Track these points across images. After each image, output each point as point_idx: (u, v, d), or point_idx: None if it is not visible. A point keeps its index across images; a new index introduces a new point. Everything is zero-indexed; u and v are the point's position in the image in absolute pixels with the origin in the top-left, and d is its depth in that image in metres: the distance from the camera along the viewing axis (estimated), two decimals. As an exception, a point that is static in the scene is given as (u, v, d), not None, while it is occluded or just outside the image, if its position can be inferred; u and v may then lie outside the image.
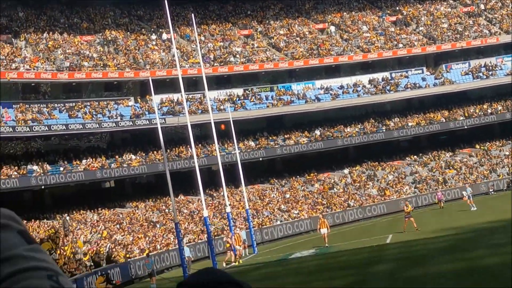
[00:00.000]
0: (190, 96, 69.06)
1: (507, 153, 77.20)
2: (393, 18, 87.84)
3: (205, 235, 49.28)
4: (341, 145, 74.79)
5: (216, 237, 53.27)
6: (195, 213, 60.69)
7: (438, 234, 37.83)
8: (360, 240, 43.45)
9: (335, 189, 70.66)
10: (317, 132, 74.80)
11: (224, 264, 44.26)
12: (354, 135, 75.30)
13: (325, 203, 66.76)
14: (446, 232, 38.08)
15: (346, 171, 74.93)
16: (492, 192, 69.54)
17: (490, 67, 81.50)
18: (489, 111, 79.88)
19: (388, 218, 61.47)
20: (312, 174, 73.42)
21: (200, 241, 53.40)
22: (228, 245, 46.03)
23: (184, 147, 66.18)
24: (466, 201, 55.77)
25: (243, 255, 48.85)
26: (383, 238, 41.79)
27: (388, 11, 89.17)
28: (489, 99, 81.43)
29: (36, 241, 1.68)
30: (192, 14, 58.47)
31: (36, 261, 1.62)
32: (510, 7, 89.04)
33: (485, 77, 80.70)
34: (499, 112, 79.58)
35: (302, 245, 49.40)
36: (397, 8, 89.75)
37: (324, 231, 44.07)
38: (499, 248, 25.74)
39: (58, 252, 38.98)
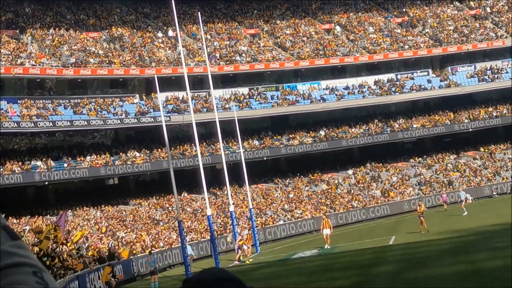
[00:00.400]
0: (196, 94, 69.13)
1: (511, 156, 77.09)
2: (400, 20, 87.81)
3: (208, 234, 49.29)
4: (346, 145, 74.79)
5: (219, 236, 53.30)
6: (199, 211, 60.71)
7: (441, 236, 37.79)
8: (363, 241, 43.39)
9: (338, 189, 70.63)
10: (322, 133, 74.79)
11: (243, 260, 44.22)
12: (358, 136, 75.26)
13: (328, 203, 66.71)
14: (449, 235, 38.05)
15: (350, 171, 74.92)
16: (496, 195, 69.47)
17: (496, 70, 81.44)
18: (494, 114, 79.79)
19: (392, 220, 61.43)
20: (316, 174, 73.41)
21: (203, 239, 53.43)
22: (241, 242, 46.01)
23: (188, 145, 66.24)
24: (460, 204, 55.59)
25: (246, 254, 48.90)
26: (386, 240, 41.75)
27: (395, 13, 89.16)
28: (494, 102, 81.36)
29: (20, 237, 1.67)
30: (199, 13, 58.41)
31: (20, 257, 1.62)
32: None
33: (490, 80, 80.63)
34: (504, 115, 79.47)
35: (305, 245, 49.35)
36: (404, 9, 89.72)
37: (326, 231, 43.88)
38: (502, 251, 25.70)
39: (61, 247, 38.99)
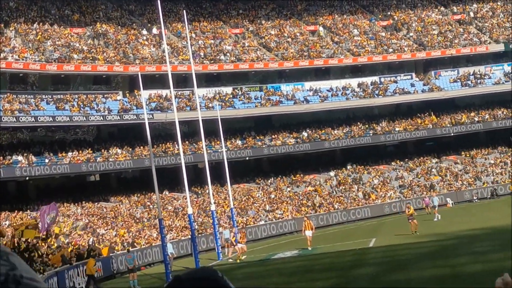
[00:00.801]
0: (179, 92, 69.02)
1: (492, 161, 77.50)
2: (384, 23, 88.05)
3: (189, 232, 49.21)
4: (328, 147, 74.88)
5: (199, 235, 53.22)
6: (180, 210, 60.62)
7: (422, 240, 37.92)
8: (343, 243, 43.48)
9: (318, 191, 70.67)
10: (305, 134, 74.86)
11: (232, 257, 44.02)
12: (341, 138, 75.41)
13: (310, 204, 66.77)
14: (430, 238, 38.19)
15: (332, 173, 75.02)
16: (476, 200, 69.75)
17: (479, 76, 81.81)
18: (476, 119, 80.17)
19: (372, 222, 61.56)
20: (298, 175, 73.46)
21: (183, 238, 53.33)
22: (234, 238, 45.90)
23: (171, 143, 66.10)
24: (433, 210, 55.51)
25: (227, 254, 48.92)
26: (367, 242, 41.84)
27: (380, 16, 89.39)
28: (477, 107, 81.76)
29: None
30: (184, 11, 58.31)
31: None
32: (500, 16, 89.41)
33: (473, 85, 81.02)
34: (486, 120, 79.88)
35: (285, 245, 49.40)
36: (389, 13, 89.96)
37: (308, 233, 43.89)
38: (481, 256, 25.85)
39: (41, 243, 38.84)
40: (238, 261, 43.32)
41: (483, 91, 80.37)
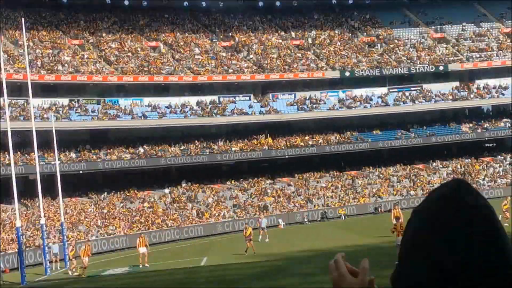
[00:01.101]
0: (13, 101, 66.90)
1: (324, 185, 79.56)
2: (226, 44, 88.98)
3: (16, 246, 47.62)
4: (164, 164, 74.67)
5: (27, 249, 51.62)
6: (7, 222, 58.60)
7: (252, 260, 38.35)
8: (175, 260, 43.37)
9: (154, 208, 70.27)
10: (141, 150, 74.33)
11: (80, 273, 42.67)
12: (178, 155, 75.35)
13: (143, 221, 66.20)
14: (260, 258, 38.66)
15: (166, 190, 74.73)
16: (307, 222, 71.25)
17: (315, 100, 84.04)
18: (310, 142, 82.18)
19: (205, 240, 61.73)
20: (132, 191, 72.73)
21: (10, 251, 51.53)
22: (72, 253, 44.66)
23: (1, 153, 63.87)
24: (262, 231, 55.65)
25: (54, 268, 47.73)
26: (198, 260, 41.91)
27: (221, 36, 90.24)
28: (311, 131, 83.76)
29: None
30: (22, 18, 56.74)
31: None
32: (337, 44, 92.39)
33: (309, 109, 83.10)
34: (320, 144, 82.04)
35: (116, 262, 48.73)
36: (230, 34, 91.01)
37: (142, 250, 43.49)
38: (309, 277, 26.38)
39: None
40: (83, 275, 42.19)
41: (318, 116, 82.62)
